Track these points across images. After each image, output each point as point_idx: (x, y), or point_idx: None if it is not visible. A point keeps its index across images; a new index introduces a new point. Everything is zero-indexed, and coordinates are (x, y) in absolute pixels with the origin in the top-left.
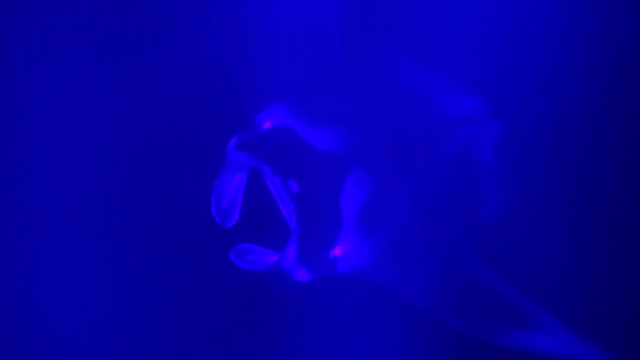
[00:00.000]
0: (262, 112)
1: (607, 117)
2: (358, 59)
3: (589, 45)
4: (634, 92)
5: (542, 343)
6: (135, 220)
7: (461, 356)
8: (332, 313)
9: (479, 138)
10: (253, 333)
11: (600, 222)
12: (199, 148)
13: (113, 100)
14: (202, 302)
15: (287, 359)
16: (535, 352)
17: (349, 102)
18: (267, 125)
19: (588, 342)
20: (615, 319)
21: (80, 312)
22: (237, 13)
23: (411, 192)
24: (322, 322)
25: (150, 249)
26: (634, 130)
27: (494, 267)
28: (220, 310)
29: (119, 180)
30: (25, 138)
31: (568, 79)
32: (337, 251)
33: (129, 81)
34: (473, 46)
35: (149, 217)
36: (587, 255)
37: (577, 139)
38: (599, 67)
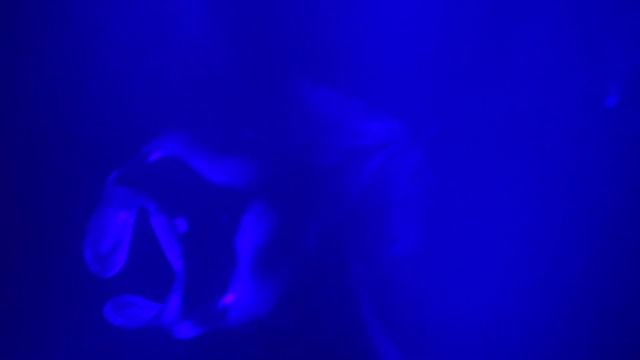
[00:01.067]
0: (150, 141)
1: (538, 135)
2: (258, 83)
3: (513, 60)
4: (569, 110)
5: None
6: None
7: None
8: None
9: (394, 166)
10: None
11: (531, 271)
12: (75, 181)
13: None
14: None
15: None
16: None
17: (249, 130)
18: (155, 156)
19: None
20: None
21: None
22: (126, 31)
23: (316, 230)
24: None
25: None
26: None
27: (396, 321)
28: None
29: None
30: None
31: (496, 95)
32: (228, 299)
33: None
34: (387, 65)
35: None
36: (508, 313)
37: (509, 168)
38: (528, 81)
